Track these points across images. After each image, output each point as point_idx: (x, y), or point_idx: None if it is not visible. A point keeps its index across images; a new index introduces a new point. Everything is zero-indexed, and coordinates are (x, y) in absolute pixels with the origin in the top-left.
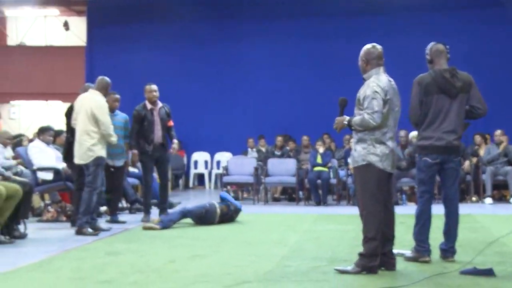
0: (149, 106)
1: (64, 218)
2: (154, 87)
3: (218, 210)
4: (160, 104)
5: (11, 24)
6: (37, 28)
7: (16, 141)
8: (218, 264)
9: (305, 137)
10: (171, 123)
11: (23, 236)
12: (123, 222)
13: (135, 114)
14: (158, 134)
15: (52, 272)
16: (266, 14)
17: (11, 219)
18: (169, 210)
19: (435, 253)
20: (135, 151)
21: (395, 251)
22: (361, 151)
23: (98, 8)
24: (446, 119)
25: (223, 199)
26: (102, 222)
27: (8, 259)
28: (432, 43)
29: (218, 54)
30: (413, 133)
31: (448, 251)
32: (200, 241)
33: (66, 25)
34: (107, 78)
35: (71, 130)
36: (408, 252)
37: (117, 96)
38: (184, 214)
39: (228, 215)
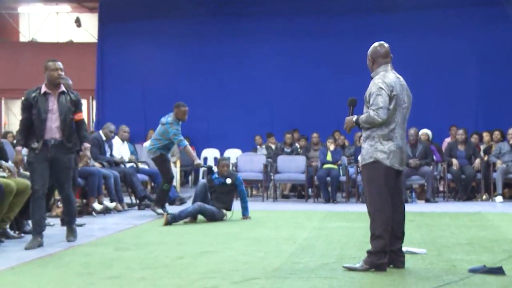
0: (44, 89)
1: None
2: (59, 64)
3: (225, 214)
4: (62, 88)
5: (23, 20)
6: (49, 25)
7: None
8: (226, 260)
9: (315, 134)
10: (80, 116)
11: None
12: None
13: (23, 100)
14: (52, 127)
15: (61, 267)
16: (277, 11)
17: (20, 214)
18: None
19: (444, 250)
20: (19, 148)
21: (404, 248)
22: (368, 149)
23: (110, 5)
24: None
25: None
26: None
27: (17, 253)
28: None
29: (229, 51)
30: (423, 131)
31: None
32: (210, 238)
33: (77, 22)
34: None
35: None
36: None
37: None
38: (200, 209)
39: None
